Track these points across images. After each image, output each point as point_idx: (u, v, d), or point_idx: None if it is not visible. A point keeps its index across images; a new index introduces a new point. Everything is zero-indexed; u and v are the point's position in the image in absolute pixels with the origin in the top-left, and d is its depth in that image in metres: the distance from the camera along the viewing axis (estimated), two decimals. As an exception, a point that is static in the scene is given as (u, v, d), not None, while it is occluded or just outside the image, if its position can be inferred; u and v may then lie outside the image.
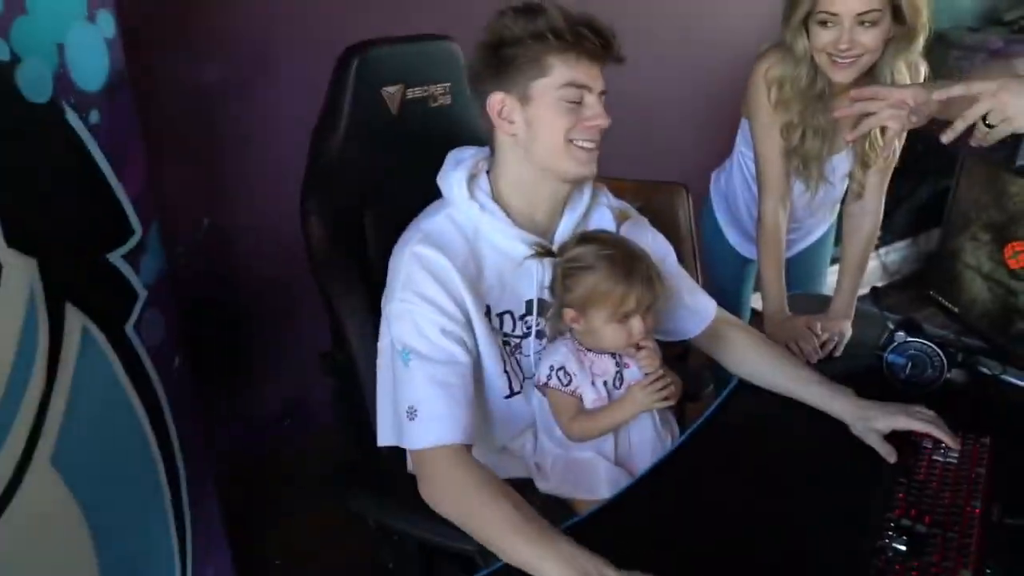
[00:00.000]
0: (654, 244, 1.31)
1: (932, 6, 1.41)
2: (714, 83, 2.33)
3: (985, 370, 1.40)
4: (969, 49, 3.01)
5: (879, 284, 3.49)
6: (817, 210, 1.70)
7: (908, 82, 1.46)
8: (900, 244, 3.55)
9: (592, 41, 1.12)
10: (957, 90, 1.10)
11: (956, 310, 1.44)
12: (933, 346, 1.34)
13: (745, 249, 1.83)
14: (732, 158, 1.81)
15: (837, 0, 1.35)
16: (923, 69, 1.50)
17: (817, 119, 1.50)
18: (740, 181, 1.77)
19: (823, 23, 1.38)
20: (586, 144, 1.14)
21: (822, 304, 1.64)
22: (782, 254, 1.61)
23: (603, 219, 1.27)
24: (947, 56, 3.05)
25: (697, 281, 1.77)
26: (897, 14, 1.37)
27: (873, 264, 3.47)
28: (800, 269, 1.84)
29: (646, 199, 1.92)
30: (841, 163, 1.59)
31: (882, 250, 3.49)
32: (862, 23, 1.35)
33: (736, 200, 1.81)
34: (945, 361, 1.34)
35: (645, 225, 1.33)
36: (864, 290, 1.66)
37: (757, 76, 1.53)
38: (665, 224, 1.92)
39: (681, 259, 1.81)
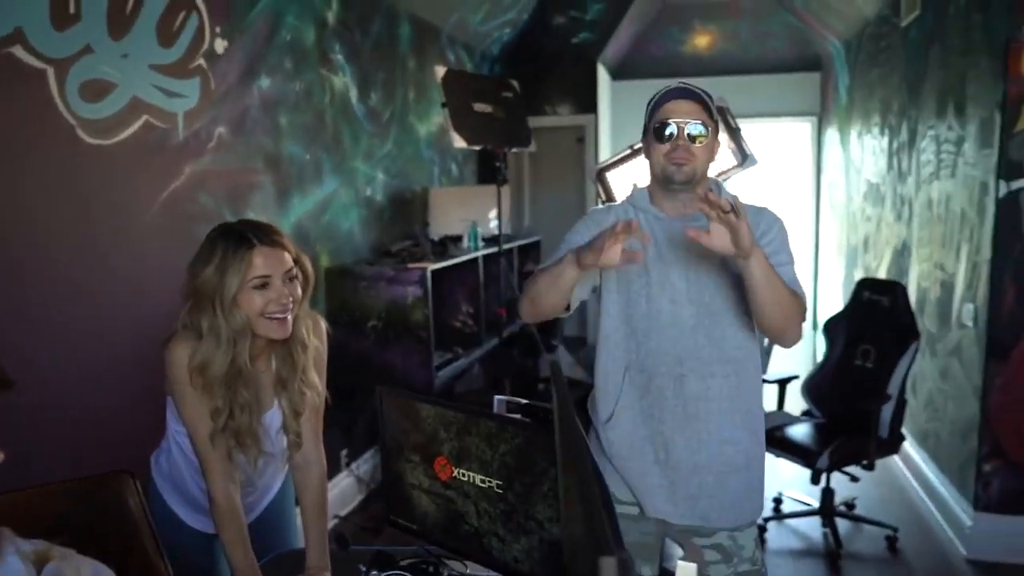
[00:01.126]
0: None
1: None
2: (139, 363, 2.23)
3: (454, 574, 1.55)
4: (370, 279, 3.53)
5: (360, 497, 3.67)
6: (266, 469, 1.70)
7: (319, 324, 1.67)
8: (367, 454, 3.82)
9: None
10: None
11: (415, 527, 1.58)
12: (406, 573, 1.44)
13: (207, 526, 1.71)
14: (168, 437, 1.71)
15: (265, 265, 1.50)
16: (323, 325, 1.70)
17: (242, 395, 1.54)
18: (182, 458, 1.67)
19: (259, 287, 1.50)
20: None
21: (300, 560, 1.62)
22: (244, 531, 1.55)
23: (11, 572, 1.04)
24: (356, 286, 3.53)
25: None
26: (303, 270, 1.59)
27: (347, 481, 3.64)
28: (270, 528, 1.79)
29: (87, 497, 1.68)
30: (274, 418, 1.64)
31: (352, 465, 3.69)
32: (291, 278, 1.54)
33: (183, 478, 1.69)
34: (419, 582, 1.45)
35: (71, 555, 1.14)
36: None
37: (178, 364, 1.50)
38: (116, 519, 1.70)
39: (136, 554, 1.62)
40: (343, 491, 3.58)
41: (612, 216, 1.70)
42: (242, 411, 1.53)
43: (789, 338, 1.59)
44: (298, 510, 1.74)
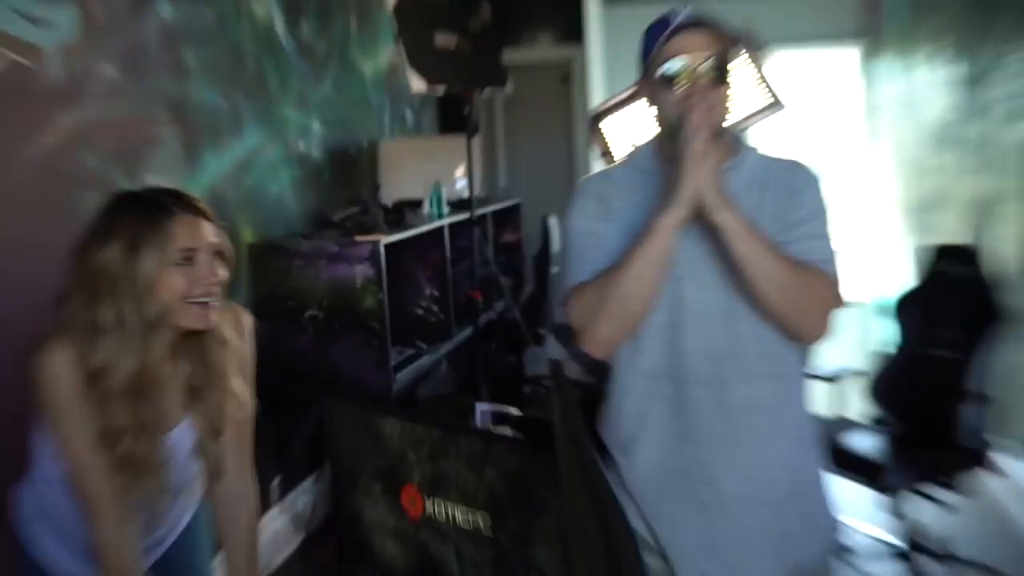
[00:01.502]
0: None
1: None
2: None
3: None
4: (307, 257, 3.46)
5: (298, 540, 3.63)
6: (177, 497, 1.67)
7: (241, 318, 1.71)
8: (306, 483, 3.77)
9: None
10: None
11: (377, 579, 1.54)
12: (367, 639, 1.40)
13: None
14: (38, 467, 1.64)
15: (189, 236, 1.50)
16: (247, 319, 1.73)
17: (143, 412, 1.50)
18: (62, 490, 1.59)
19: (182, 263, 1.49)
20: None
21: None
22: None
23: None
24: (289, 266, 3.47)
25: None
26: (224, 249, 1.59)
27: (280, 520, 3.59)
28: (180, 569, 1.77)
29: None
30: (183, 438, 1.60)
31: (287, 498, 3.65)
32: (216, 254, 1.55)
33: (62, 514, 1.62)
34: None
35: None
36: None
37: (57, 377, 1.44)
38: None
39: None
40: (275, 534, 3.53)
41: (613, 185, 1.68)
42: (140, 433, 1.48)
43: (806, 332, 1.55)
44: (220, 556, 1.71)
